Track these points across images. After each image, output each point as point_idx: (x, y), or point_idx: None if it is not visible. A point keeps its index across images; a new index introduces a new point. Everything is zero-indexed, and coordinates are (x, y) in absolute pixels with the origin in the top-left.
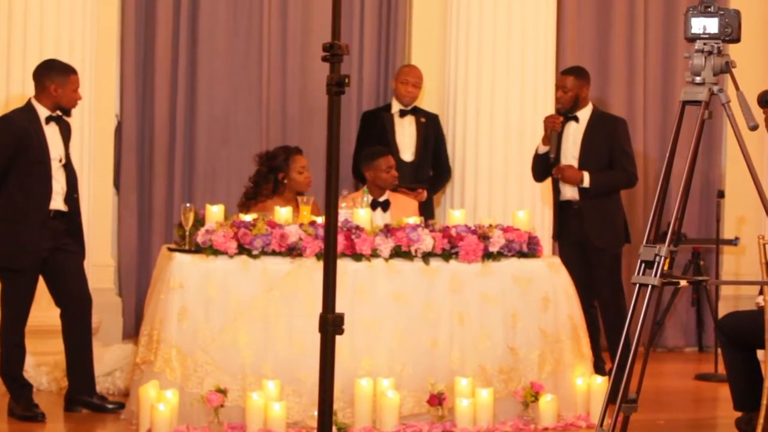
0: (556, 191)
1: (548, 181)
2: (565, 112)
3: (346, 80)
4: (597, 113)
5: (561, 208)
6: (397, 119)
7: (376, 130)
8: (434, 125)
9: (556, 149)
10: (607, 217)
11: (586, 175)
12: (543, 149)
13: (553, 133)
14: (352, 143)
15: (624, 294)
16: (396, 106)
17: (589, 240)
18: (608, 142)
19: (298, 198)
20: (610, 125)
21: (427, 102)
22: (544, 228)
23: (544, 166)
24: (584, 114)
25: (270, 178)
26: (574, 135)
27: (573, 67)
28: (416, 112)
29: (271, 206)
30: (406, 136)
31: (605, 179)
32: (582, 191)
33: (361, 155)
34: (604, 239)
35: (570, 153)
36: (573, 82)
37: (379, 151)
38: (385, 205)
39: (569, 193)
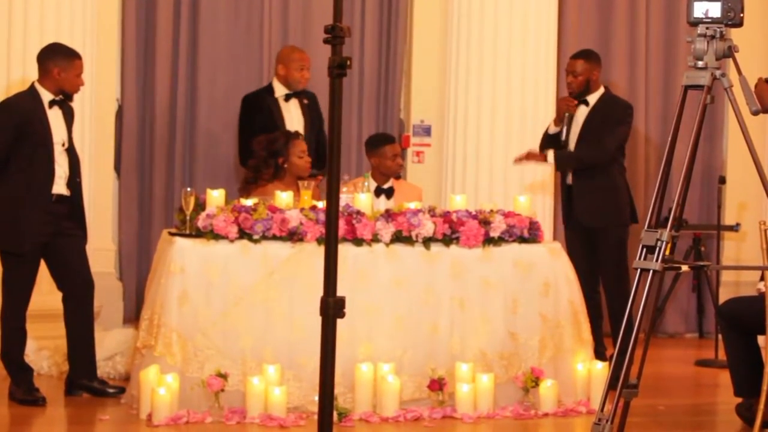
0: (563, 175)
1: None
2: (577, 96)
3: (348, 62)
4: (606, 97)
5: (568, 191)
6: (282, 103)
7: (261, 115)
8: (315, 106)
9: (567, 131)
10: (600, 197)
11: (549, 153)
12: (554, 129)
13: (567, 115)
14: (353, 129)
15: (629, 279)
16: (281, 90)
17: (588, 223)
18: (604, 124)
19: (299, 182)
20: (613, 108)
21: (428, 85)
22: (545, 213)
23: (554, 146)
24: (594, 98)
25: (270, 163)
26: (581, 119)
27: (582, 51)
28: (298, 94)
29: (272, 190)
30: (294, 121)
31: (569, 154)
32: (576, 173)
33: (367, 141)
34: (595, 219)
35: (576, 136)
36: (583, 66)
37: (385, 138)
38: (389, 193)
39: (569, 177)
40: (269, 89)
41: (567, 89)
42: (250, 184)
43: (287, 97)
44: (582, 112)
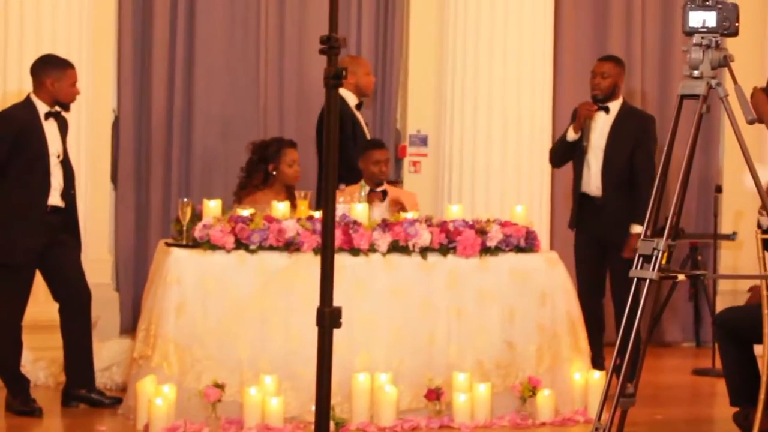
0: (577, 181)
1: (561, 170)
2: (601, 100)
3: (344, 72)
4: (627, 107)
5: (581, 199)
6: (355, 112)
7: (345, 119)
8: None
9: (587, 138)
10: (626, 210)
11: (635, 227)
12: (573, 137)
13: (587, 121)
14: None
15: None
16: (353, 100)
17: (607, 235)
18: (634, 138)
19: (295, 193)
20: (640, 121)
21: (424, 93)
22: (542, 223)
23: (570, 153)
24: (615, 106)
25: (260, 168)
26: (602, 126)
27: (611, 55)
28: (359, 106)
29: (262, 198)
30: (366, 129)
31: (642, 207)
32: (605, 186)
33: (360, 145)
34: (619, 232)
35: (596, 144)
36: (612, 69)
37: (373, 143)
38: (383, 195)
39: (593, 187)
40: (343, 98)
41: (592, 91)
42: (241, 190)
43: (358, 107)
44: (603, 120)
